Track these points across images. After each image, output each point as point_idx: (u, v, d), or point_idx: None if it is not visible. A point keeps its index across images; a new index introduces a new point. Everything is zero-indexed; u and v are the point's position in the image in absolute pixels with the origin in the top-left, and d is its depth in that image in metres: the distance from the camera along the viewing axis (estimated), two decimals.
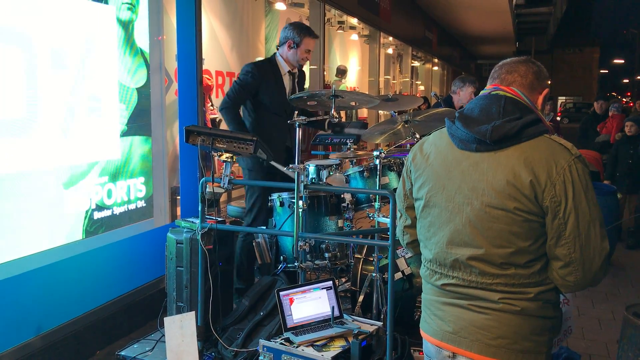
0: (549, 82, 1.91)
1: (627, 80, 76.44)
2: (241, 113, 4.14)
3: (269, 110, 4.07)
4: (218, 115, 7.46)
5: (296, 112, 3.12)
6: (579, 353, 3.36)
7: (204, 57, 5.15)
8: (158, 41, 4.44)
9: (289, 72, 4.17)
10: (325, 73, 10.11)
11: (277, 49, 4.19)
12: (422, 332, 1.96)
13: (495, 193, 1.70)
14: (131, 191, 4.16)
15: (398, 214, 2.09)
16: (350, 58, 13.09)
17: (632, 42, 63.13)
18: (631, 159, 7.06)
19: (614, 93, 63.93)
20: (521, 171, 1.67)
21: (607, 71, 73.84)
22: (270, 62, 4.18)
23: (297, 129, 3.08)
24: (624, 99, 50.95)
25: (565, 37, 48.16)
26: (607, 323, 4.50)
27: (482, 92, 1.87)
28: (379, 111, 12.49)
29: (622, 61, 72.38)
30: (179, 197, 4.94)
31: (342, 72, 10.99)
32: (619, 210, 6.90)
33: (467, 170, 1.77)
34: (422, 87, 19.61)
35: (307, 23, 9.79)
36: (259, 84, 4.00)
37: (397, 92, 16.33)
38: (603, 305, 4.83)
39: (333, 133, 4.17)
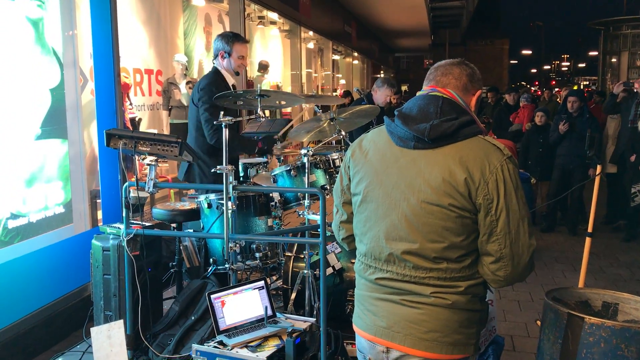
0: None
1: (534, 70, 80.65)
2: (194, 132, 4.01)
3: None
4: (137, 115, 7.23)
5: (222, 113, 3.07)
6: (502, 335, 3.52)
7: (120, 54, 4.96)
8: (71, 38, 4.25)
9: (232, 85, 4.12)
10: (247, 68, 10.00)
11: (214, 62, 4.12)
12: (355, 328, 1.98)
13: (431, 189, 1.75)
14: (48, 197, 3.96)
15: (335, 209, 2.11)
16: (272, 53, 13.03)
17: (538, 34, 66.68)
18: (541, 147, 7.37)
19: (523, 82, 67.25)
20: (456, 169, 1.73)
21: (516, 61, 77.45)
22: (218, 74, 4.09)
23: (224, 129, 3.04)
24: (532, 88, 53.67)
25: (477, 30, 49.86)
26: (526, 304, 4.75)
27: (419, 93, 1.92)
28: (303, 104, 12.53)
29: (530, 52, 76.21)
30: (99, 201, 4.75)
31: (264, 67, 10.93)
32: (533, 196, 7.26)
33: (404, 166, 1.81)
34: (343, 81, 19.85)
35: (226, 19, 9.68)
36: None
37: (320, 86, 16.49)
38: (522, 288, 5.09)
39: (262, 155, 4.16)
